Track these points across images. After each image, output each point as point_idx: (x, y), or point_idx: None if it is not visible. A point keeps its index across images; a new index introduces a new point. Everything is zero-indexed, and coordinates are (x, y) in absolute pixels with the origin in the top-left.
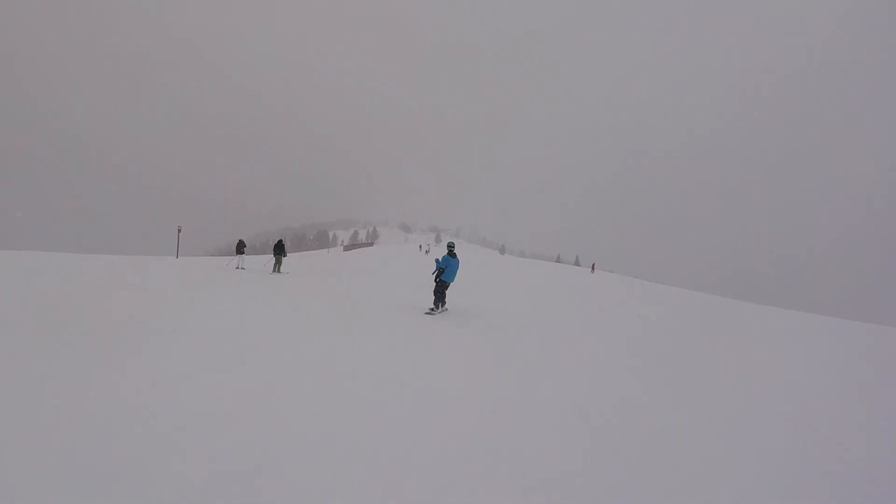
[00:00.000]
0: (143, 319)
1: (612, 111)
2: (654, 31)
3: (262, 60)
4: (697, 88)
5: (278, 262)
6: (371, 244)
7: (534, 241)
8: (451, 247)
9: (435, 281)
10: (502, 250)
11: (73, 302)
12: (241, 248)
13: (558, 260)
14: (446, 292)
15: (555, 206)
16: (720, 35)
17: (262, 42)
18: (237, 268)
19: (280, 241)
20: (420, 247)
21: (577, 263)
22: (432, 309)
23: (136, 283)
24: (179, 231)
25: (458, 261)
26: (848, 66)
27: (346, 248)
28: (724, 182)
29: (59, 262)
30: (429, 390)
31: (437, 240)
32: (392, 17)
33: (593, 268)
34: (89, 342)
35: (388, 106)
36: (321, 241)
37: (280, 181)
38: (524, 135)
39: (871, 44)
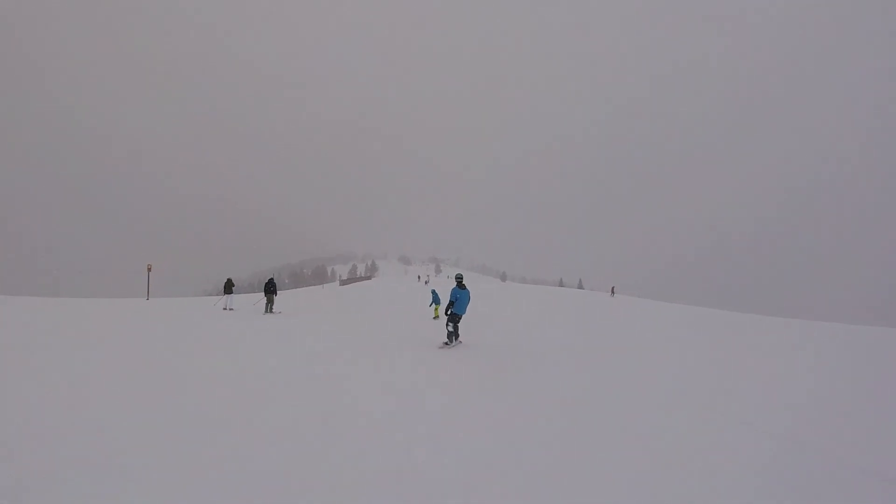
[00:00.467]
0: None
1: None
2: (643, 37)
3: (258, 102)
4: (685, 90)
5: (270, 302)
6: (369, 278)
7: (534, 266)
8: (459, 279)
9: (445, 314)
10: (503, 277)
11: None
12: (229, 287)
13: (561, 284)
14: (459, 325)
15: (551, 229)
16: (711, 36)
17: (255, 82)
18: (225, 308)
19: (271, 279)
20: (419, 277)
21: (580, 286)
22: (447, 342)
23: (105, 332)
24: (149, 270)
25: (468, 292)
26: (843, 67)
27: (343, 283)
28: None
29: None
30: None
31: (437, 270)
32: (388, 52)
33: (613, 291)
34: None
35: (381, 142)
36: (319, 276)
37: (278, 218)
38: (516, 160)
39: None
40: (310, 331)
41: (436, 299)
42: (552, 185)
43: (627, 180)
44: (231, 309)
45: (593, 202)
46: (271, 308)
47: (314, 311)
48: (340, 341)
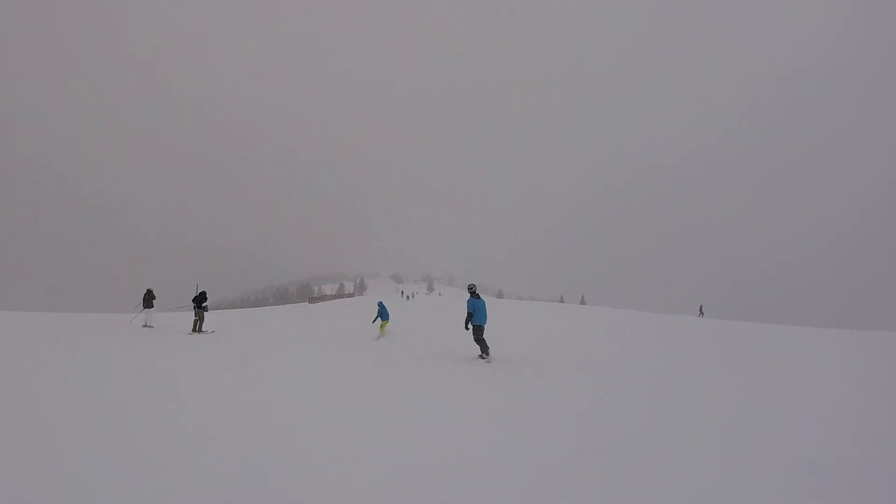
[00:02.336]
0: None
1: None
2: (646, 45)
3: (249, 123)
4: (692, 100)
5: (199, 319)
6: (350, 295)
7: (531, 283)
8: (472, 289)
9: (465, 328)
10: (499, 295)
11: None
12: (149, 300)
13: (561, 300)
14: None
15: (545, 248)
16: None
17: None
18: (144, 325)
19: (202, 292)
20: (402, 293)
21: (582, 302)
22: (482, 356)
23: None
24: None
25: (483, 301)
26: (852, 70)
27: (313, 300)
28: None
29: None
30: None
31: (430, 288)
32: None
33: (701, 311)
34: None
35: (375, 162)
36: (304, 295)
37: (266, 237)
38: (514, 177)
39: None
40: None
41: (382, 314)
42: (547, 205)
43: (625, 194)
44: (150, 326)
45: (591, 219)
46: (200, 327)
47: (253, 332)
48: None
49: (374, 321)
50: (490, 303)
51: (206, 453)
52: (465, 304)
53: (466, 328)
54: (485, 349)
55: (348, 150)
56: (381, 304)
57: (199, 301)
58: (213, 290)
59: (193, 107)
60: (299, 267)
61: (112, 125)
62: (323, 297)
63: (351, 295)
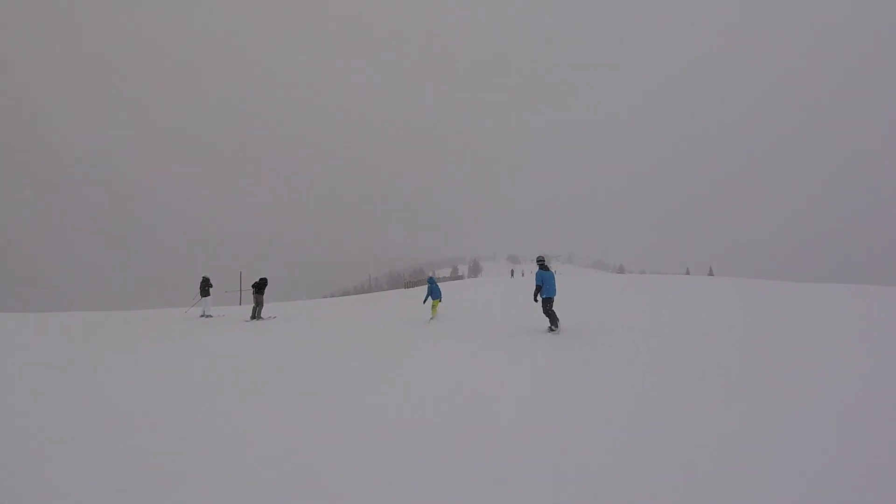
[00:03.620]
0: None
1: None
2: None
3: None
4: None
5: (259, 305)
6: (460, 277)
7: (654, 257)
8: (541, 261)
9: (535, 301)
10: (620, 270)
11: None
12: (206, 288)
13: (687, 273)
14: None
15: (667, 222)
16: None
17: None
18: (202, 315)
19: (263, 278)
20: (511, 273)
21: (710, 274)
22: (551, 328)
23: None
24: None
25: (552, 273)
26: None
27: (408, 285)
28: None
29: None
30: None
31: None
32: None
33: None
34: None
35: (491, 142)
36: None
37: (386, 225)
38: (630, 153)
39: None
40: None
41: (433, 293)
42: (667, 178)
43: (745, 169)
44: (209, 316)
45: (712, 192)
46: (259, 313)
47: (320, 317)
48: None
49: (424, 301)
50: (602, 279)
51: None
52: (539, 276)
53: (536, 300)
54: (554, 321)
55: (464, 132)
56: (431, 280)
57: (260, 287)
58: (330, 280)
59: (303, 107)
60: (416, 252)
61: (204, 126)
62: (423, 282)
63: (460, 277)
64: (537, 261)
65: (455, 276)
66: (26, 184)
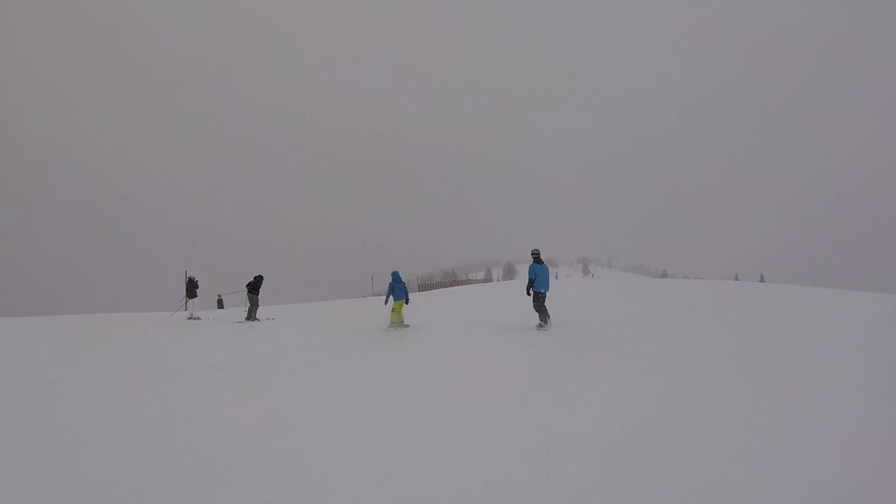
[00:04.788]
0: None
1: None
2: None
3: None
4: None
5: (253, 305)
6: (488, 280)
7: (700, 262)
8: (535, 254)
9: (527, 294)
10: (663, 274)
11: None
12: (192, 290)
13: (736, 279)
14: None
15: (719, 222)
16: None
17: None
18: (190, 318)
19: (259, 276)
20: None
21: (761, 280)
22: (541, 325)
23: None
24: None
25: (546, 267)
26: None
27: (424, 288)
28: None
29: None
30: None
31: (585, 271)
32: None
33: None
34: None
35: (527, 141)
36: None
37: (416, 227)
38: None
39: None
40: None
41: (395, 292)
42: (719, 175)
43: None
44: (197, 318)
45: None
46: (255, 314)
47: (313, 320)
48: None
49: (385, 302)
50: (641, 283)
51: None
52: (532, 269)
53: (528, 294)
54: (544, 317)
55: (498, 129)
56: (395, 276)
57: (254, 287)
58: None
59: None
60: (449, 255)
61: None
62: (443, 284)
63: (488, 280)
64: (532, 253)
65: (487, 280)
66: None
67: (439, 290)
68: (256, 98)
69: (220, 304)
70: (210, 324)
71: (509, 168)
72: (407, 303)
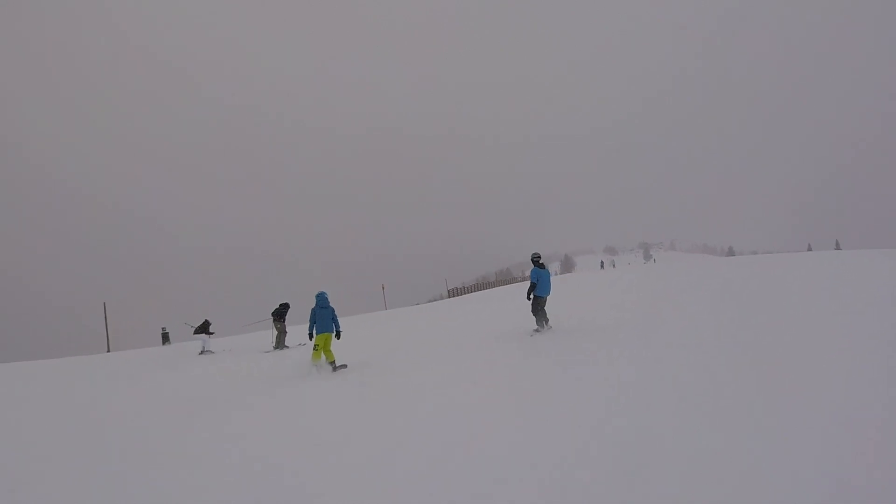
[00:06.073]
0: None
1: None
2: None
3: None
4: None
5: (281, 333)
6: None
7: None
8: (536, 258)
9: (528, 299)
10: (730, 252)
11: None
12: (205, 329)
13: (809, 249)
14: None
15: (787, 192)
16: None
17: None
18: (201, 353)
19: (285, 303)
20: (601, 264)
21: (837, 248)
22: (537, 329)
23: None
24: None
25: (547, 272)
26: None
27: (454, 294)
28: None
29: None
30: None
31: (647, 256)
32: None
33: None
34: None
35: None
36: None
37: (469, 226)
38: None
39: None
40: None
41: (318, 323)
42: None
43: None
44: (210, 352)
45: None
46: (283, 341)
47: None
48: None
49: (310, 336)
50: (703, 265)
51: None
52: (534, 273)
53: (528, 298)
54: (540, 322)
55: (549, 117)
56: (320, 298)
57: (280, 314)
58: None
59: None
60: (502, 254)
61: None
62: (498, 283)
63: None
64: (532, 259)
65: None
66: None
67: (479, 291)
68: (264, 101)
69: (166, 339)
70: (244, 357)
71: (555, 159)
72: (338, 337)
